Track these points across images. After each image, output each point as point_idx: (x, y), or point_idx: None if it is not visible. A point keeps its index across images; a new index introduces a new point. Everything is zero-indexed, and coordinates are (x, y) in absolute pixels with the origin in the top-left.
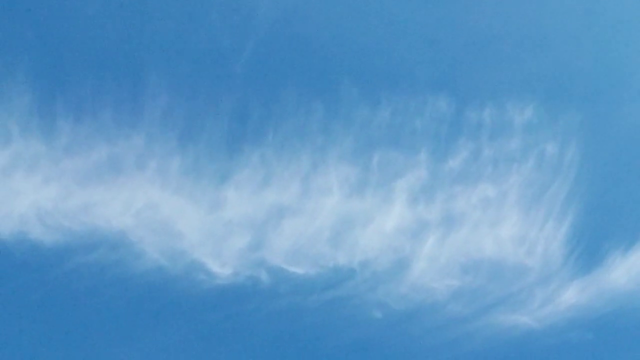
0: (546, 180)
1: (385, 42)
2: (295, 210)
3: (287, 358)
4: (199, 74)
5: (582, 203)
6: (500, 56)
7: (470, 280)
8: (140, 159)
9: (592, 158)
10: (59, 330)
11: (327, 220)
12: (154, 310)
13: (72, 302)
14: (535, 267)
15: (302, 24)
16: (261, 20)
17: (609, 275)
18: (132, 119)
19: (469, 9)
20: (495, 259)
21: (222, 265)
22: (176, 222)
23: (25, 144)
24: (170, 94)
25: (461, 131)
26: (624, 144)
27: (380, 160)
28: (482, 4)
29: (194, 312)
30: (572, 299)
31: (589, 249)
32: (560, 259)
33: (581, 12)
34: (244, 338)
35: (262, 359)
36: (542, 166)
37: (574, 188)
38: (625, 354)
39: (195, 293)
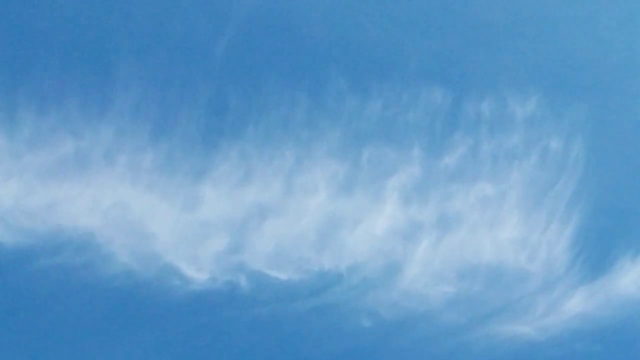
0: (550, 179)
1: (376, 28)
2: (278, 210)
3: None
4: (173, 61)
5: (588, 203)
6: (500, 44)
7: (467, 287)
8: (109, 154)
9: (600, 155)
10: (19, 339)
11: (312, 221)
12: (123, 318)
13: (35, 308)
14: (537, 273)
15: (286, 7)
16: (241, 2)
17: (618, 281)
18: (100, 110)
19: None
20: (494, 264)
21: (198, 270)
22: (148, 223)
23: None
24: (142, 84)
25: (458, 125)
26: (634, 139)
27: (370, 156)
28: None
29: (167, 320)
30: (577, 307)
31: (595, 253)
32: (565, 264)
33: None
34: (222, 348)
35: None
36: (545, 163)
37: (580, 187)
38: None
39: (168, 299)
